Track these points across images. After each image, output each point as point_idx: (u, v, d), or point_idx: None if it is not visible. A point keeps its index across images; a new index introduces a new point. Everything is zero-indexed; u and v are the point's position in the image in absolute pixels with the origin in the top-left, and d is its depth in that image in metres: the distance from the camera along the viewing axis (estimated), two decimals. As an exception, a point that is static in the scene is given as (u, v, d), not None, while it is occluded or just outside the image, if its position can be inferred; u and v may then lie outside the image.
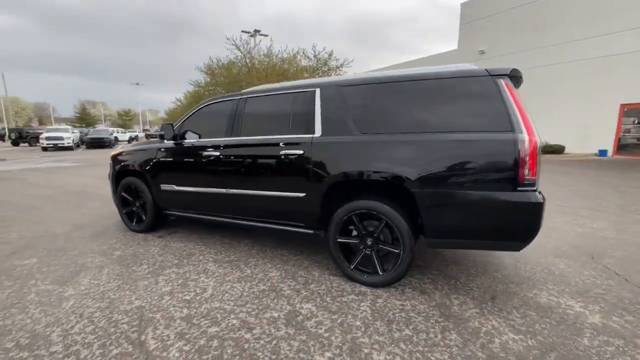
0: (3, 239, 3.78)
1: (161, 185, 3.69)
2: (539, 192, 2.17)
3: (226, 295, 2.46)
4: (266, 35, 17.64)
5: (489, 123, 2.19)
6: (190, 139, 3.53)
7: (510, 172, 2.11)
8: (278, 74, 11.23)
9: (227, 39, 11.91)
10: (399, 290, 2.54)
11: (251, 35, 16.85)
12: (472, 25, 18.42)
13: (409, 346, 1.87)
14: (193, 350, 1.83)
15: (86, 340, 1.92)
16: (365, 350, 1.84)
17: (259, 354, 1.81)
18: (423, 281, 2.69)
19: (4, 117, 51.15)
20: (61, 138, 22.02)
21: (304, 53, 12.70)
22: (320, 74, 12.79)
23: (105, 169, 5.12)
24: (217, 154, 3.23)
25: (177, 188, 3.58)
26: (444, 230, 2.37)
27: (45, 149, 21.34)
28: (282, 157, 2.84)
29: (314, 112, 2.78)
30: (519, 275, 2.82)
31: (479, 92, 2.25)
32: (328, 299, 2.41)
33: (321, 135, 2.71)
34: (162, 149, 3.68)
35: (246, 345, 1.88)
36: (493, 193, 2.17)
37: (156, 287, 2.58)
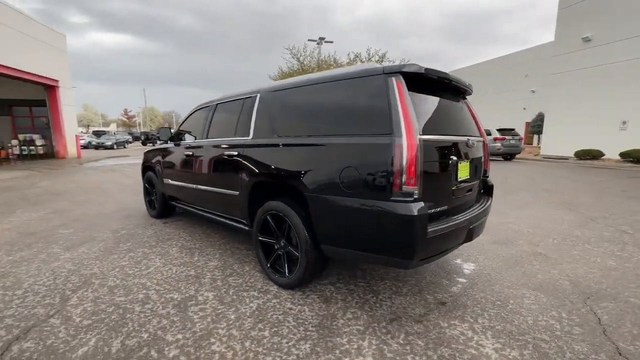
0: (69, 215, 5.06)
1: (163, 179, 4.39)
2: (423, 203, 1.88)
3: (158, 274, 2.84)
4: (331, 42, 18.29)
5: (373, 126, 2.02)
6: (187, 140, 4.09)
7: (385, 179, 1.90)
8: None
9: (286, 48, 12.72)
10: (305, 294, 2.51)
11: (318, 43, 17.70)
12: (573, 10, 15.25)
13: (252, 345, 1.89)
14: (91, 311, 2.25)
15: (39, 290, 2.55)
16: (212, 340, 1.94)
17: (130, 323, 2.10)
18: (339, 290, 2.58)
19: (142, 123, 64.95)
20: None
21: (357, 58, 12.66)
22: None
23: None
24: (191, 153, 3.70)
25: (170, 182, 4.20)
26: (332, 238, 2.25)
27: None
28: (225, 157, 3.10)
29: (252, 116, 2.95)
30: (456, 302, 2.42)
31: (371, 93, 2.08)
32: (231, 291, 2.55)
33: (252, 138, 2.87)
34: (165, 149, 4.37)
35: (128, 315, 2.20)
36: (369, 201, 1.98)
37: (118, 261, 3.15)
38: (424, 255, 2.00)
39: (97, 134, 32.11)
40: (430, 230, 1.92)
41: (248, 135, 2.93)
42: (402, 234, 1.88)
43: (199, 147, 3.60)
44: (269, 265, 2.71)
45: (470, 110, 2.86)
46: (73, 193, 6.99)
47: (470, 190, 2.56)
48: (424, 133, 1.99)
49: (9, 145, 15.43)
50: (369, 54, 12.41)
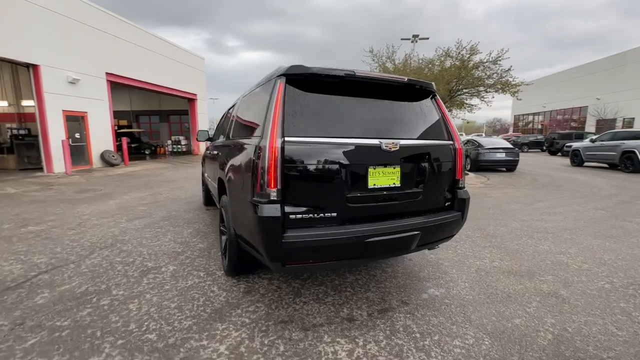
0: (158, 197, 6.65)
1: (204, 173, 5.30)
2: (280, 205, 1.83)
3: (156, 248, 3.57)
4: (427, 39, 16.85)
5: (259, 128, 2.08)
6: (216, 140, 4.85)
7: (252, 180, 1.95)
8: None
9: (366, 50, 12.50)
10: (237, 282, 2.72)
11: (412, 41, 16.63)
12: None
13: (153, 310, 2.27)
14: (95, 264, 3.09)
15: (84, 244, 3.62)
16: (135, 302, 2.42)
17: (104, 276, 2.81)
18: (271, 286, 2.67)
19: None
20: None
21: (446, 53, 11.27)
22: (464, 74, 10.90)
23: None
24: (216, 152, 4.40)
25: (205, 175, 5.05)
26: (238, 232, 2.38)
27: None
28: (213, 154, 3.61)
29: (233, 119, 3.35)
30: (370, 323, 2.18)
31: (266, 96, 2.13)
32: (188, 269, 3.00)
33: (224, 139, 3.27)
34: (207, 147, 5.27)
35: (110, 271, 2.93)
36: (244, 201, 2.05)
37: (145, 233, 4.07)
38: (288, 260, 1.94)
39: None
40: (290, 234, 1.86)
41: (227, 137, 3.34)
42: (259, 235, 1.89)
43: (217, 145, 4.24)
44: (221, 253, 3.04)
45: (440, 109, 2.47)
46: (177, 181, 9.03)
47: (396, 199, 2.23)
48: (304, 135, 1.93)
49: (166, 144, 20.73)
50: (459, 47, 11.00)
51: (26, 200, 6.23)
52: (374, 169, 2.12)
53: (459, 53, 10.68)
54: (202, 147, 20.01)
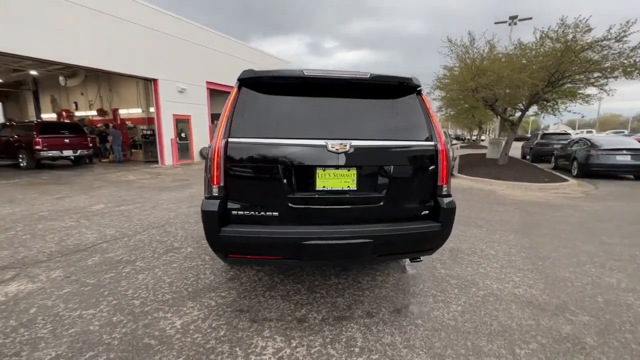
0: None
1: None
2: (220, 201, 1.96)
3: (195, 229, 4.17)
4: (530, 19, 13.89)
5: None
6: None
7: (205, 177, 2.13)
8: (498, 69, 8.84)
9: (444, 41, 11.02)
10: (230, 270, 2.99)
11: (509, 24, 13.98)
12: None
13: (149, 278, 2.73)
14: (142, 241, 3.83)
15: (122, 229, 4.50)
16: (129, 268, 2.94)
17: (108, 236, 3.47)
18: (257, 278, 2.86)
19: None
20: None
21: (545, 35, 9.09)
22: (569, 57, 8.55)
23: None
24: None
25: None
26: None
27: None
28: None
29: None
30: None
31: (226, 100, 2.27)
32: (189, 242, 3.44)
33: None
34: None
35: (119, 237, 3.59)
36: None
37: (191, 219, 4.77)
38: (227, 252, 2.06)
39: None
40: (228, 229, 1.98)
41: None
42: (203, 226, 2.06)
43: None
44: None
45: (424, 107, 2.22)
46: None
47: (351, 203, 2.09)
48: (248, 136, 2.03)
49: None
50: (563, 26, 8.81)
51: (135, 186, 7.98)
52: (324, 170, 2.05)
53: (563, 32, 8.65)
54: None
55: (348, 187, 2.08)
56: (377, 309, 2.36)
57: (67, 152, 11.41)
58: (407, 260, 3.22)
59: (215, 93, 15.97)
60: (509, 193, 7.25)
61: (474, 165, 11.88)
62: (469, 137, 47.95)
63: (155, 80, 12.44)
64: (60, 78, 15.89)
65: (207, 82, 14.93)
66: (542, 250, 3.60)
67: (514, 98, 10.54)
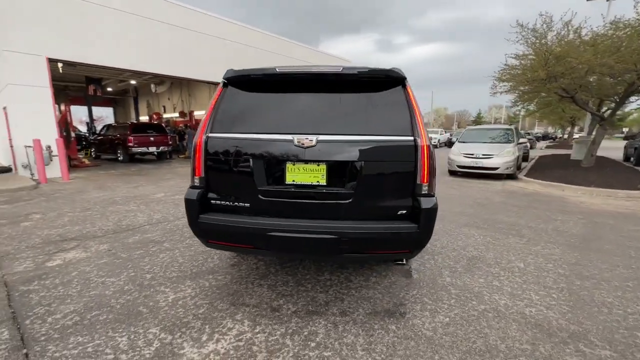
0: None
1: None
2: (198, 191, 2.14)
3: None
4: None
5: None
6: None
7: (191, 169, 2.33)
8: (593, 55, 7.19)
9: (513, 26, 9.41)
10: (235, 256, 3.23)
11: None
12: None
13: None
14: (177, 226, 4.36)
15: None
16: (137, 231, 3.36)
17: (131, 216, 3.96)
18: (255, 266, 3.04)
19: (430, 124, 71.20)
20: (430, 138, 28.66)
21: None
22: None
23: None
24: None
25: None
26: None
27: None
28: None
29: None
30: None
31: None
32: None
33: None
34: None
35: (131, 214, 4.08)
36: None
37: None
38: (206, 238, 2.23)
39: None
40: (205, 216, 2.16)
41: None
42: (185, 213, 2.26)
43: None
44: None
45: (407, 100, 2.11)
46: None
47: (319, 198, 2.08)
48: (225, 132, 2.18)
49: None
50: None
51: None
52: (293, 164, 2.08)
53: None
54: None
55: (318, 182, 2.08)
56: (354, 309, 2.30)
57: (152, 149, 13.40)
58: (412, 264, 3.03)
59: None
60: (584, 201, 6.12)
61: (552, 167, 10.27)
62: (560, 136, 41.39)
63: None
64: (152, 85, 18.69)
65: (268, 84, 15.84)
66: (590, 268, 3.00)
67: (601, 88, 8.77)
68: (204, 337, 1.98)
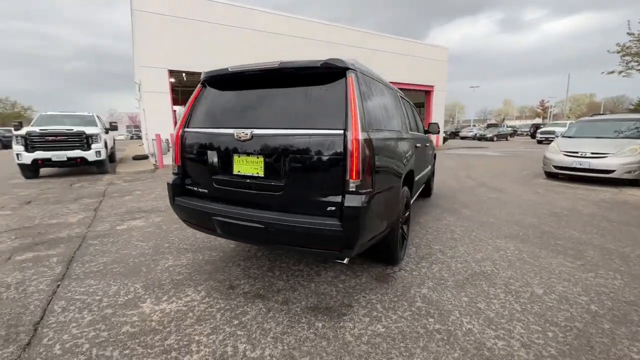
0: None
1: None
2: (175, 177, 2.52)
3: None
4: None
5: None
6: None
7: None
8: None
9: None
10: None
11: None
12: None
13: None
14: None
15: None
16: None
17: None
18: (255, 254, 3.35)
19: (561, 113, 58.29)
20: (553, 132, 23.46)
21: None
22: None
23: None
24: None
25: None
26: None
27: (540, 141, 23.76)
28: None
29: None
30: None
31: None
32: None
33: None
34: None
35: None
36: None
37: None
38: (181, 217, 2.61)
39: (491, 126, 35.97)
40: (178, 199, 2.55)
41: None
42: None
43: None
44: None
45: (346, 91, 2.04)
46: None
47: (257, 189, 2.19)
48: (194, 127, 2.51)
49: (404, 135, 22.75)
50: None
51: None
52: (239, 157, 2.25)
53: None
54: (434, 138, 20.08)
55: (257, 173, 2.20)
56: (297, 300, 2.34)
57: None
58: (396, 269, 2.81)
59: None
60: None
61: None
62: None
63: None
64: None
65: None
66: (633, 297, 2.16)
67: None
68: (164, 298, 2.38)
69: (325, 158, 1.99)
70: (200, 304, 2.30)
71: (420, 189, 4.71)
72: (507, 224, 4.12)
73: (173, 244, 3.49)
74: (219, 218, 2.25)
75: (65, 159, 8.10)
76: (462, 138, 33.78)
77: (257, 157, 2.18)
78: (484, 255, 3.14)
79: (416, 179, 3.54)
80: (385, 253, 2.78)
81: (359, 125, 1.92)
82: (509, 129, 35.94)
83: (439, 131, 5.20)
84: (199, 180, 2.51)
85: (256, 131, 2.14)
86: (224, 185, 2.35)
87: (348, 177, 1.92)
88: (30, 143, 7.85)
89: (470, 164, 11.29)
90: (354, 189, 1.92)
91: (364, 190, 1.93)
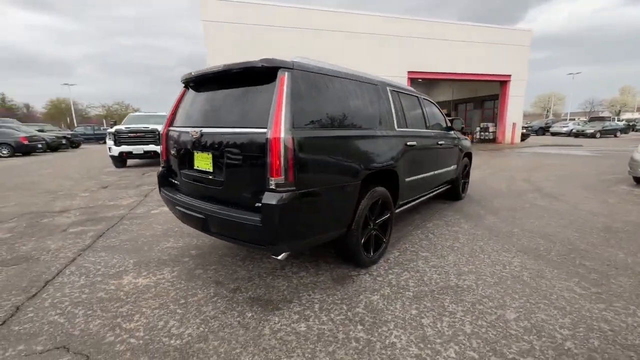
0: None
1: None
2: (161, 169, 2.88)
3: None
4: None
5: None
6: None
7: None
8: None
9: None
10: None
11: None
12: None
13: (197, 222, 4.16)
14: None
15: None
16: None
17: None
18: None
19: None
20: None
21: None
22: None
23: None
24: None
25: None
26: None
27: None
28: None
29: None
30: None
31: None
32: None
33: None
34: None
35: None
36: None
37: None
38: (167, 205, 2.95)
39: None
40: (162, 189, 2.90)
41: None
42: None
43: None
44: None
45: (277, 89, 2.10)
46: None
47: (207, 183, 2.39)
48: (174, 125, 2.82)
49: (474, 131, 20.62)
50: None
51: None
52: (198, 153, 2.46)
53: None
54: (508, 135, 17.84)
55: (208, 169, 2.38)
56: (246, 290, 2.47)
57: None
58: (363, 272, 2.72)
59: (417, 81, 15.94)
60: None
61: None
62: None
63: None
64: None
65: (409, 72, 15.22)
66: (647, 363, 1.68)
67: None
68: (144, 274, 2.77)
69: (253, 155, 2.06)
70: (166, 283, 2.61)
71: (434, 191, 4.32)
72: (530, 237, 3.53)
73: (182, 228, 3.95)
74: (178, 207, 2.52)
75: (142, 152, 9.67)
76: (554, 134, 29.02)
77: (208, 154, 2.37)
78: (472, 268, 2.79)
79: (408, 180, 3.29)
80: (346, 255, 2.70)
81: (282, 124, 1.94)
82: (620, 123, 29.45)
83: (462, 127, 4.67)
84: (175, 173, 2.83)
85: (205, 130, 2.33)
86: (188, 178, 2.61)
87: (268, 175, 1.96)
88: (118, 139, 9.59)
89: (541, 164, 9.73)
90: (273, 187, 1.95)
91: (284, 189, 1.95)
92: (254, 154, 2.06)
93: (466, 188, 5.56)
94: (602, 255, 3.03)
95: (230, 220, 2.12)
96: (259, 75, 2.18)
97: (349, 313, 2.16)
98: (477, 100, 21.69)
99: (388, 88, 3.21)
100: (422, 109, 3.90)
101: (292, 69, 2.11)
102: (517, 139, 18.15)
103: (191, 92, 2.80)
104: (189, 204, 2.43)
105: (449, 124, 4.63)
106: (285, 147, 1.92)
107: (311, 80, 2.24)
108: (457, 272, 2.71)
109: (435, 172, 4.06)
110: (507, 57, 16.82)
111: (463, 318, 2.08)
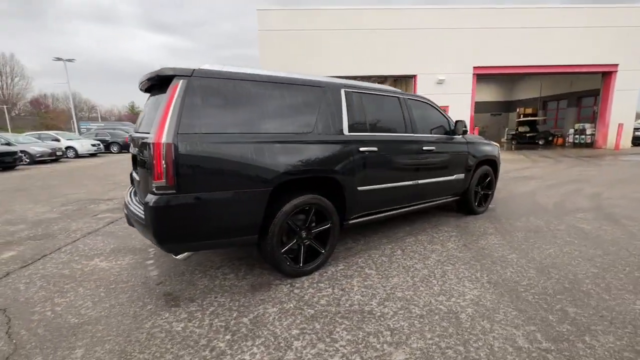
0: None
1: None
2: None
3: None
4: None
5: None
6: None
7: None
8: None
9: None
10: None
11: None
12: None
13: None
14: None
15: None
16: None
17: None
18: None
19: None
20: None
21: None
22: None
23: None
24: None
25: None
26: None
27: None
28: None
29: None
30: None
31: None
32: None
33: None
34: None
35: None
36: None
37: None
38: None
39: None
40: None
41: None
42: None
43: None
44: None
45: (168, 95, 2.23)
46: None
47: (134, 182, 2.61)
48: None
49: (567, 133, 17.28)
50: None
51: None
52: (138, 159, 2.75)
53: None
54: (612, 139, 14.48)
55: (135, 169, 2.64)
56: (167, 284, 2.63)
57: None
58: (289, 282, 2.66)
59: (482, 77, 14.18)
60: None
61: None
62: None
63: (414, 77, 13.64)
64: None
65: (475, 68, 13.66)
66: None
67: None
68: (111, 257, 3.20)
69: (148, 160, 2.20)
70: (121, 267, 2.97)
71: (430, 202, 3.86)
72: (521, 267, 2.86)
73: (175, 222, 4.39)
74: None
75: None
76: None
77: (135, 156, 2.62)
78: (409, 295, 2.42)
79: (365, 189, 3.02)
80: (269, 262, 2.65)
81: (165, 130, 2.03)
82: None
83: (465, 131, 4.02)
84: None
85: (134, 134, 2.59)
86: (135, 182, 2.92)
87: (150, 178, 2.08)
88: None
89: (637, 177, 7.62)
90: (154, 190, 2.06)
91: (163, 192, 2.04)
92: (148, 158, 2.20)
93: (488, 201, 4.76)
94: (605, 303, 2.28)
95: (135, 218, 2.32)
96: (166, 82, 2.32)
97: (232, 321, 2.13)
98: (572, 96, 18.02)
99: (343, 90, 2.99)
100: (402, 111, 3.51)
101: (189, 76, 2.18)
102: (626, 143, 14.51)
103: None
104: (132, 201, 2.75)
105: (452, 128, 4.05)
106: (166, 152, 2.01)
107: (215, 87, 2.27)
108: (385, 297, 2.40)
109: (420, 181, 3.61)
110: (612, 43, 13.59)
111: (340, 348, 1.85)
